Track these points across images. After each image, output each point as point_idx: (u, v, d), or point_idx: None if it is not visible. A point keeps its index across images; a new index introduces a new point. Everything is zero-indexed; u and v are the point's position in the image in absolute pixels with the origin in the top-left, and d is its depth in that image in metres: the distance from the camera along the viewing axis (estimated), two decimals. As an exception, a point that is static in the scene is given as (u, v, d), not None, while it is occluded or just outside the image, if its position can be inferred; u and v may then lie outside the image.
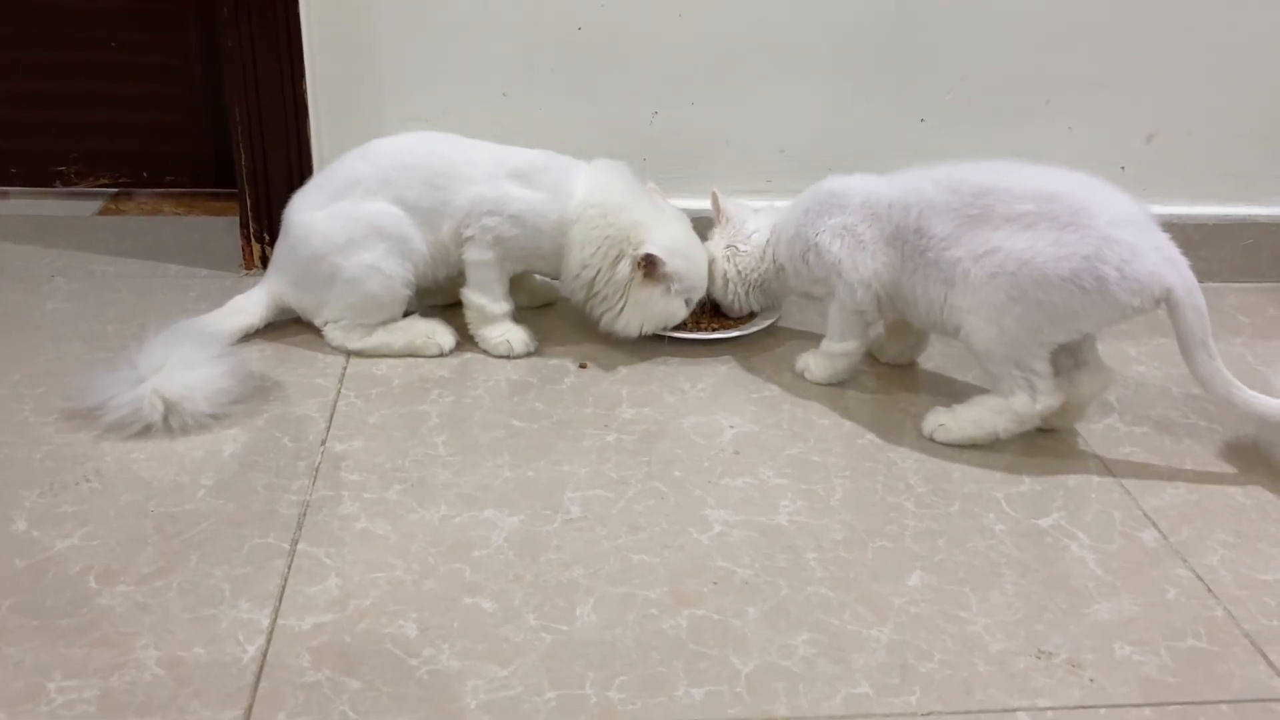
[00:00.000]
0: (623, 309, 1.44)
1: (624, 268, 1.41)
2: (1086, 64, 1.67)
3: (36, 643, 0.93)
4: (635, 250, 1.40)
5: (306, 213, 1.42)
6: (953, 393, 1.41)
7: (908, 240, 1.30)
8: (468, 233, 1.41)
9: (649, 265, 1.40)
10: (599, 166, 1.47)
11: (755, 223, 1.50)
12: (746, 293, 1.51)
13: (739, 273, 1.49)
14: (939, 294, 1.28)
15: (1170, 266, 1.20)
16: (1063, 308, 1.20)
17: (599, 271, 1.43)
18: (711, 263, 1.49)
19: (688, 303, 1.46)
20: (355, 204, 1.40)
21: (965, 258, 1.25)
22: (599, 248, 1.42)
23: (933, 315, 1.31)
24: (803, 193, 1.45)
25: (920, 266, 1.30)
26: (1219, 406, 1.26)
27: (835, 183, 1.41)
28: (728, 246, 1.50)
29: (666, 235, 1.42)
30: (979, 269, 1.24)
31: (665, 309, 1.44)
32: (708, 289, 1.51)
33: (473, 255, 1.42)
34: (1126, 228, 1.19)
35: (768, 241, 1.48)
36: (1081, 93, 1.69)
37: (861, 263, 1.34)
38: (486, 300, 1.45)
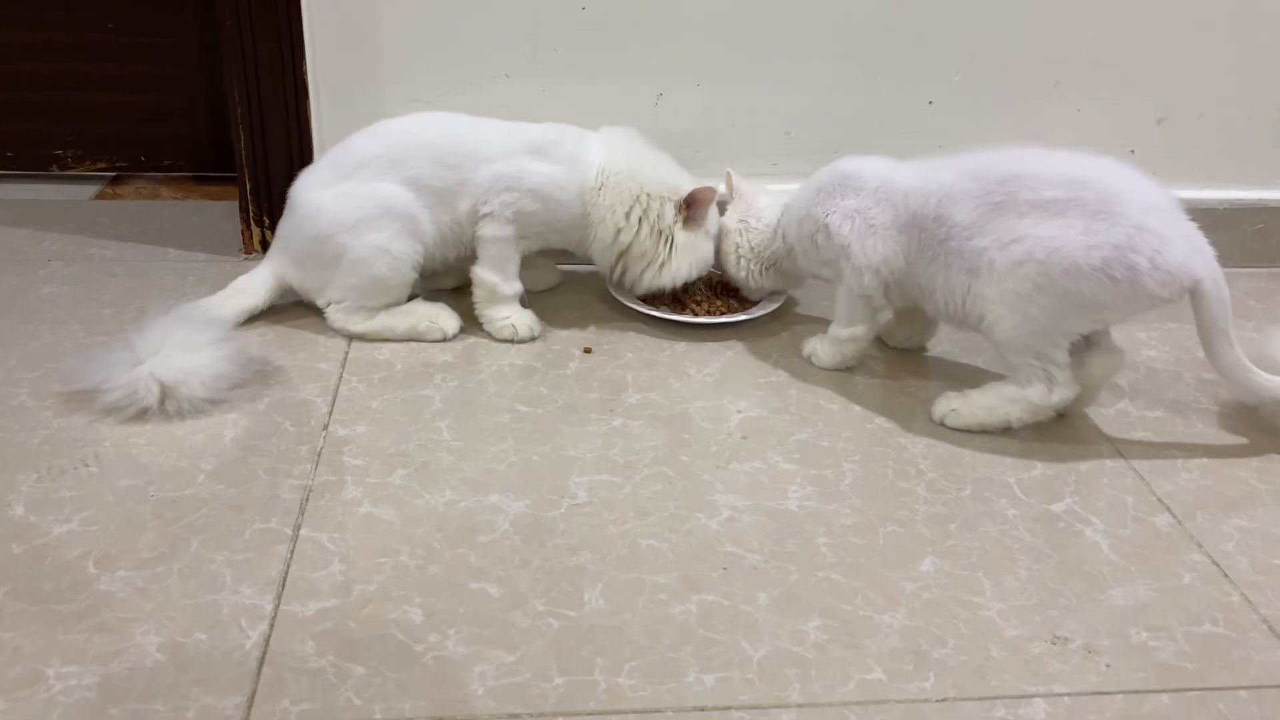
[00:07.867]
0: (669, 257, 1.46)
1: (669, 211, 1.44)
2: (1097, 46, 1.65)
3: (35, 628, 0.92)
4: (675, 195, 1.44)
5: (314, 191, 1.40)
6: (962, 378, 1.39)
7: (925, 229, 1.27)
8: (485, 209, 1.40)
9: (693, 204, 1.44)
10: (608, 134, 1.47)
11: (766, 200, 1.50)
12: (760, 271, 1.50)
13: (751, 248, 1.48)
14: (962, 284, 1.25)
15: (1199, 258, 1.17)
16: (1091, 297, 1.17)
17: (636, 231, 1.44)
18: (724, 237, 1.50)
19: None
20: (365, 184, 1.38)
21: (990, 246, 1.21)
22: (631, 208, 1.43)
23: (953, 305, 1.28)
24: (817, 172, 1.42)
25: (940, 255, 1.26)
26: (1240, 396, 1.24)
27: (851, 164, 1.37)
28: (740, 220, 1.49)
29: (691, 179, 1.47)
30: (1004, 257, 1.20)
31: (706, 251, 1.49)
32: (723, 268, 1.52)
33: (489, 231, 1.41)
34: (1157, 216, 1.17)
35: (779, 220, 1.46)
36: (1091, 75, 1.67)
37: (871, 248, 1.32)
38: (499, 279, 1.43)
